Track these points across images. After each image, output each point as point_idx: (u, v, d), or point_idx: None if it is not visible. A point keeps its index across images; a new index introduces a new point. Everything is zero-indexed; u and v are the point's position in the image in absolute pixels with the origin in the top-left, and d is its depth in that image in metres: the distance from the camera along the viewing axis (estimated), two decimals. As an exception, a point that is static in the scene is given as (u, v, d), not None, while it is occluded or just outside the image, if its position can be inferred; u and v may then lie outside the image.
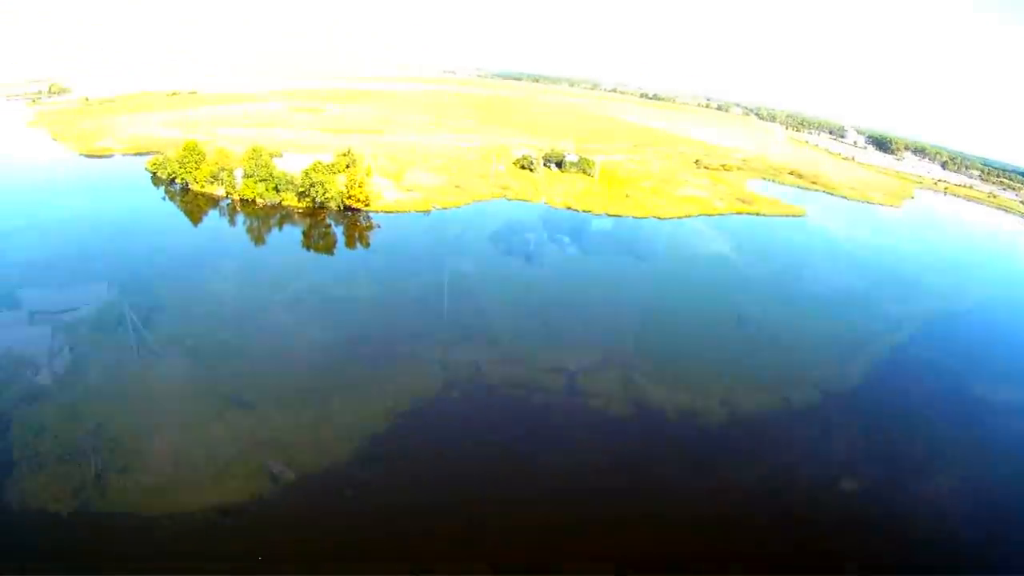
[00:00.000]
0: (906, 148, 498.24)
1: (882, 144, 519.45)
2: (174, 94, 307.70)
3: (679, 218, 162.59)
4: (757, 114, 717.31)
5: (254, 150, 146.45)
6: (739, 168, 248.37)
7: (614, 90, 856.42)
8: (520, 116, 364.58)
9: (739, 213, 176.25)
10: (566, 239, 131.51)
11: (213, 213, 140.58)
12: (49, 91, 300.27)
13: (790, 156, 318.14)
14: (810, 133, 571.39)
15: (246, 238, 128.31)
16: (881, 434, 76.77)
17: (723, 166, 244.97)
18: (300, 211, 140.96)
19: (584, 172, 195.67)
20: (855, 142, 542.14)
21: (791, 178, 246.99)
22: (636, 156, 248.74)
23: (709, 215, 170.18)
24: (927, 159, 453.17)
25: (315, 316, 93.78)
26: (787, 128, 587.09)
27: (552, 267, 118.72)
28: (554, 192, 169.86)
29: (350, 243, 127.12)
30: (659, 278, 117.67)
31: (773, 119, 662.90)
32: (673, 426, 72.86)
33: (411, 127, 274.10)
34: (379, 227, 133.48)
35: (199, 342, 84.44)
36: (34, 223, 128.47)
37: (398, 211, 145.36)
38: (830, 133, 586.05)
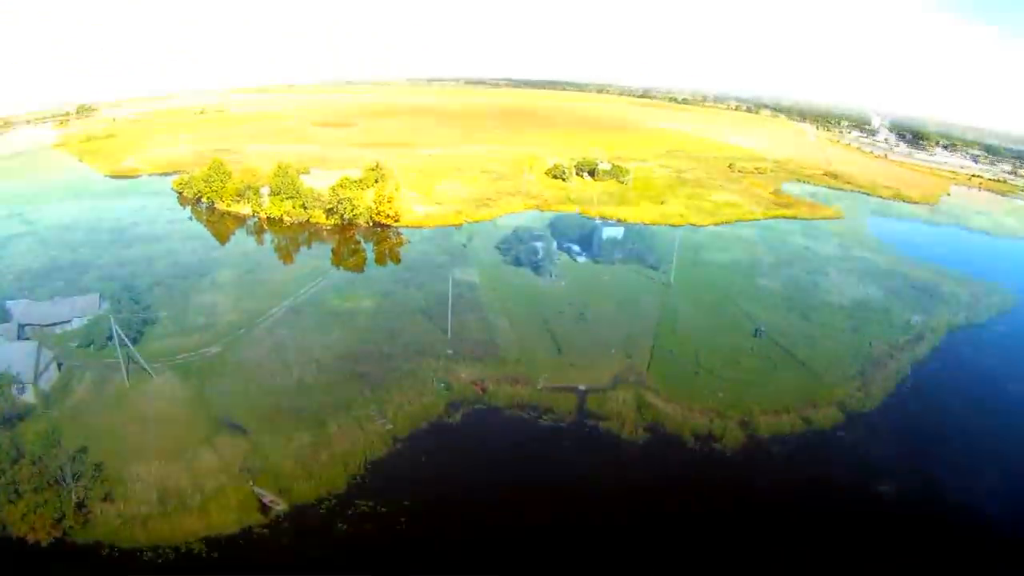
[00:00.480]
0: (937, 143, 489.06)
1: (913, 138, 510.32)
2: (202, 111, 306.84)
3: (715, 225, 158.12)
4: (786, 114, 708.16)
5: (280, 167, 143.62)
6: (772, 171, 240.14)
7: (643, 95, 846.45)
8: (548, 124, 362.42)
9: (776, 217, 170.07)
10: (598, 246, 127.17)
11: (239, 232, 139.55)
12: (77, 112, 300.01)
13: (824, 156, 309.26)
14: (840, 131, 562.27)
15: (265, 254, 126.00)
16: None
17: (757, 169, 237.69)
18: (328, 228, 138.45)
19: (617, 180, 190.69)
20: (886, 139, 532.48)
21: (826, 179, 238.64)
22: (669, 163, 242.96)
23: (745, 220, 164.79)
24: (958, 153, 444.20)
25: (315, 329, 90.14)
26: (817, 127, 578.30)
27: (574, 279, 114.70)
28: (587, 200, 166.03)
29: (380, 260, 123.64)
30: (679, 287, 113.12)
31: (802, 118, 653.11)
32: (690, 453, 68.49)
33: (440, 139, 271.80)
34: (409, 242, 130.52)
35: (192, 357, 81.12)
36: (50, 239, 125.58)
37: (428, 225, 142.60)
38: (860, 130, 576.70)
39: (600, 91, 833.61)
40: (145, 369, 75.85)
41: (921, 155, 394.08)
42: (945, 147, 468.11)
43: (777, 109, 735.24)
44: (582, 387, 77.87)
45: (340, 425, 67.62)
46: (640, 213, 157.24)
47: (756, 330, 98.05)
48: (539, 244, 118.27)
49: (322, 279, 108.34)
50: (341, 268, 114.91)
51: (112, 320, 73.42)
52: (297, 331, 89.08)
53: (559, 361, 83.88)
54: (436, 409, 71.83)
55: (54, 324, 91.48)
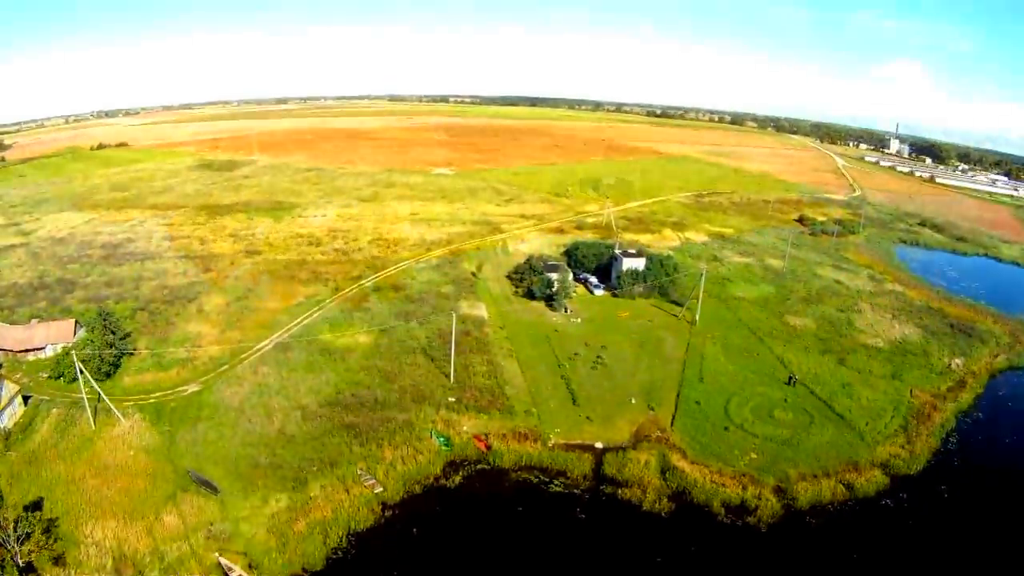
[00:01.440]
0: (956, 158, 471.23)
1: (929, 153, 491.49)
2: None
3: (742, 257, 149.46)
4: (778, 126, 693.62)
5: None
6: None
7: (618, 108, 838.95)
8: (533, 153, 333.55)
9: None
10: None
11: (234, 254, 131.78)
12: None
13: (880, 189, 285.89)
14: (847, 146, 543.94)
15: (259, 279, 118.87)
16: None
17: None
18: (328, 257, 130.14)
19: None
20: (898, 151, 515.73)
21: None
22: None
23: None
24: (980, 169, 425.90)
25: (304, 368, 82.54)
26: (820, 140, 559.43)
27: (591, 315, 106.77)
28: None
29: (382, 291, 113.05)
30: (705, 326, 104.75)
31: (796, 131, 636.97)
32: (721, 528, 59.62)
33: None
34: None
35: (165, 398, 73.80)
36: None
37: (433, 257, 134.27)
38: (869, 144, 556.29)
39: (572, 107, 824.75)
40: (113, 411, 68.46)
41: (953, 175, 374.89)
42: (962, 163, 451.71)
43: (762, 120, 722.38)
44: (599, 445, 69.43)
45: (323, 486, 59.55)
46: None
47: (790, 378, 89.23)
48: (554, 275, 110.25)
49: (317, 310, 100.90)
50: (338, 298, 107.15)
51: (75, 356, 66.16)
52: (284, 370, 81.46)
53: (574, 413, 75.35)
54: (433, 469, 63.53)
55: (27, 351, 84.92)
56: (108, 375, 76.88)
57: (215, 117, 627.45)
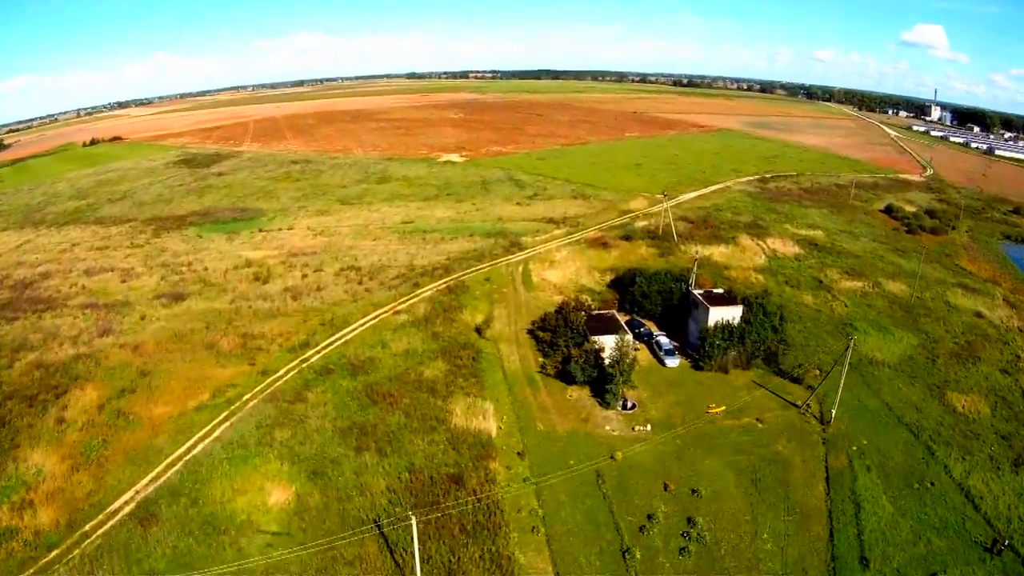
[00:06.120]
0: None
1: (973, 119, 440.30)
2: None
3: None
4: (809, 94, 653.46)
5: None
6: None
7: (643, 79, 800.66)
8: (559, 131, 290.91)
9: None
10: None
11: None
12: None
13: (957, 167, 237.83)
14: (885, 113, 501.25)
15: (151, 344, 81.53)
16: None
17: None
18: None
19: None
20: (939, 119, 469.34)
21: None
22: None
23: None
24: None
25: (172, 561, 45.36)
26: (858, 108, 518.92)
27: (664, 411, 67.87)
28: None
29: (331, 375, 77.50)
30: (841, 427, 65.79)
31: (829, 98, 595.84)
32: None
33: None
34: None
35: None
36: None
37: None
38: (907, 112, 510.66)
39: (596, 79, 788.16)
40: None
41: (1006, 145, 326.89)
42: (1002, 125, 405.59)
43: (786, 90, 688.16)
44: None
45: None
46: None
47: (993, 542, 49.88)
48: (606, 340, 70.35)
49: (223, 422, 63.09)
50: (262, 395, 68.58)
51: None
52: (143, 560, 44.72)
53: None
54: None
55: None
56: None
57: (221, 104, 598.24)
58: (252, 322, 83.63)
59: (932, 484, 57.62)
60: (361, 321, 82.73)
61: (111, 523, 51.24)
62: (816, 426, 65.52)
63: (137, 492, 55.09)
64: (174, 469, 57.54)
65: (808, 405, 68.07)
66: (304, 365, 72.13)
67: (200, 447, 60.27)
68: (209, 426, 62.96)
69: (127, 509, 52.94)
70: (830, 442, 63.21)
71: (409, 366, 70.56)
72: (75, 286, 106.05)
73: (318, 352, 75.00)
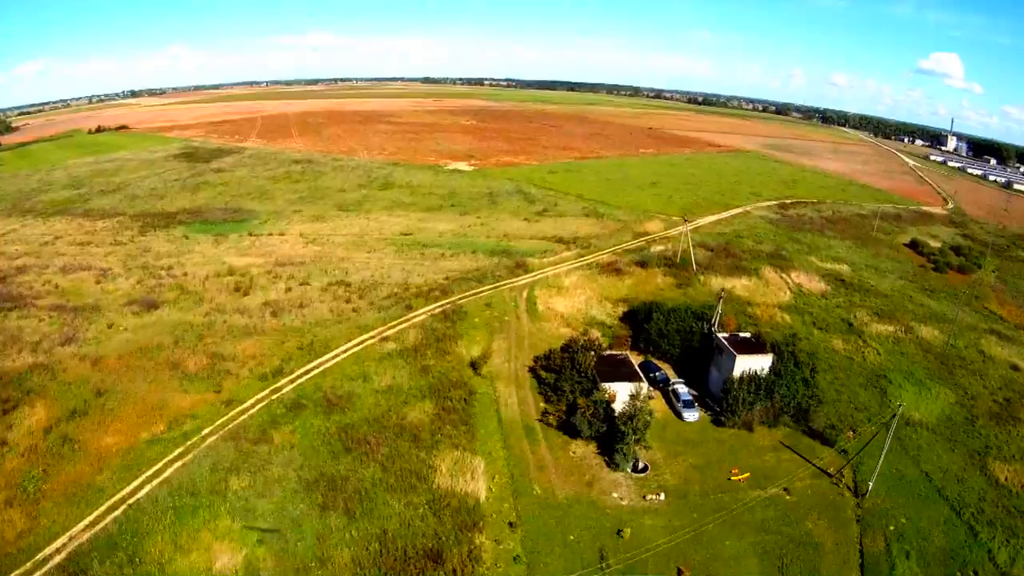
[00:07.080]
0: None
1: (989, 151, 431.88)
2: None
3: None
4: (824, 118, 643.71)
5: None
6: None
7: (658, 95, 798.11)
8: (573, 143, 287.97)
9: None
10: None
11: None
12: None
13: (972, 201, 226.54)
14: (901, 141, 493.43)
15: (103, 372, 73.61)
16: None
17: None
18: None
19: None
20: (955, 149, 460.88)
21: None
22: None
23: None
24: None
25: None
26: (873, 135, 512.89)
27: (680, 474, 59.63)
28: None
29: (302, 416, 69.54)
30: (878, 498, 57.70)
31: (844, 123, 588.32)
32: None
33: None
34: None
35: None
36: None
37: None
38: (923, 141, 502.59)
39: (611, 93, 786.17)
40: None
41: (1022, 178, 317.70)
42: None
43: (805, 111, 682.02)
44: None
45: None
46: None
47: None
48: (617, 388, 62.40)
49: (176, 460, 55.28)
50: (222, 431, 60.79)
51: None
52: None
53: None
54: None
55: None
56: None
57: (234, 98, 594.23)
58: (224, 340, 75.81)
59: (975, 573, 49.90)
60: (344, 347, 74.76)
61: (38, 575, 43.93)
62: (850, 499, 57.38)
63: (71, 538, 47.84)
64: (114, 515, 49.99)
65: (841, 474, 60.02)
66: (274, 396, 64.18)
67: (146, 490, 52.59)
68: (160, 464, 55.28)
69: (57, 559, 45.62)
70: (865, 520, 55.08)
71: (392, 406, 62.44)
72: (48, 284, 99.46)
73: (292, 382, 67.02)
